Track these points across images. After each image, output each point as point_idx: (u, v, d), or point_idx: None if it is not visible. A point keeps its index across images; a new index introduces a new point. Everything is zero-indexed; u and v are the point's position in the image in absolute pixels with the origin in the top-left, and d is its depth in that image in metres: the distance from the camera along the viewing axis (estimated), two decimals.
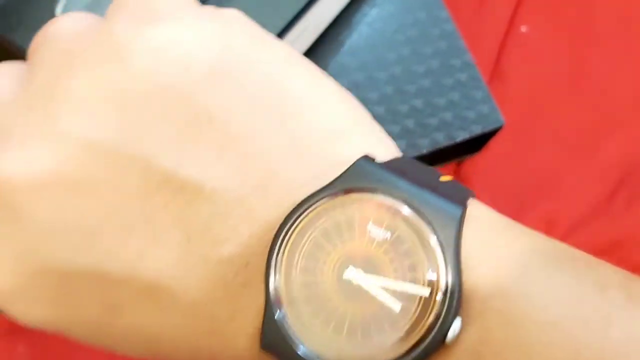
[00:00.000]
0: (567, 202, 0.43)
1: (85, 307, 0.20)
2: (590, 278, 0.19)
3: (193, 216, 0.20)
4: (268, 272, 0.19)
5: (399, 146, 0.40)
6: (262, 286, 0.19)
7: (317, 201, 0.19)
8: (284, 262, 0.19)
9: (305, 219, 0.19)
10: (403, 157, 0.22)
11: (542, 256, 0.19)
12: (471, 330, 0.18)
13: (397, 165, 0.20)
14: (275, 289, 0.19)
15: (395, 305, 0.18)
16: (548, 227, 0.43)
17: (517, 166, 0.44)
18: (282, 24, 0.37)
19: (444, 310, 0.18)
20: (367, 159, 0.20)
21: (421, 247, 0.19)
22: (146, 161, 0.19)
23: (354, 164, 0.20)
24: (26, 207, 0.20)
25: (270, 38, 0.23)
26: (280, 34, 0.37)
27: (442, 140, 0.41)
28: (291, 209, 0.19)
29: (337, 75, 0.41)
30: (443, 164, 0.44)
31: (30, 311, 0.21)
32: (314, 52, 0.42)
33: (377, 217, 0.19)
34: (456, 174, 0.44)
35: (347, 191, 0.19)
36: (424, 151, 0.40)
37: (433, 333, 0.18)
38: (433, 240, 0.19)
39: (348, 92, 0.23)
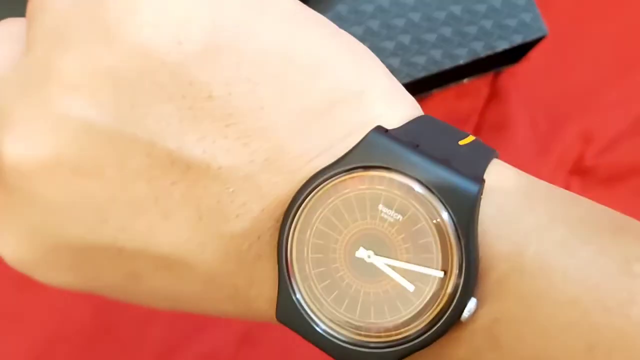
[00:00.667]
0: (605, 118, 0.42)
1: (106, 275, 0.21)
2: (615, 252, 0.18)
3: (202, 194, 0.19)
4: (280, 249, 0.19)
5: (435, 56, 0.39)
6: (276, 257, 0.19)
7: (327, 179, 0.19)
8: (295, 240, 0.19)
9: (316, 197, 0.19)
10: (420, 119, 0.21)
11: (564, 228, 0.18)
12: (487, 309, 0.18)
13: (413, 132, 0.20)
14: (288, 265, 0.19)
15: (409, 286, 0.18)
16: (584, 143, 0.42)
17: (557, 79, 0.43)
18: None
19: (459, 291, 0.18)
20: (379, 132, 0.19)
21: (435, 228, 0.18)
22: (149, 142, 0.19)
23: (365, 137, 0.19)
24: (35, 190, 0.19)
25: None
26: None
27: (480, 50, 0.39)
28: (301, 184, 0.19)
29: None
30: (480, 74, 0.42)
31: (55, 278, 0.21)
32: None
33: (389, 196, 0.18)
34: (493, 85, 0.43)
35: (358, 168, 0.19)
36: (461, 62, 0.39)
37: (447, 313, 0.18)
38: (447, 220, 0.18)
39: (360, 45, 0.22)
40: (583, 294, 0.17)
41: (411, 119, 0.21)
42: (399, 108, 0.21)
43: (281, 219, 0.19)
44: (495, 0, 0.40)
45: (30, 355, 0.37)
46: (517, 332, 0.18)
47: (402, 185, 0.18)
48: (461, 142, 0.20)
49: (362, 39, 0.38)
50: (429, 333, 0.18)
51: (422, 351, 0.18)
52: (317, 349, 0.19)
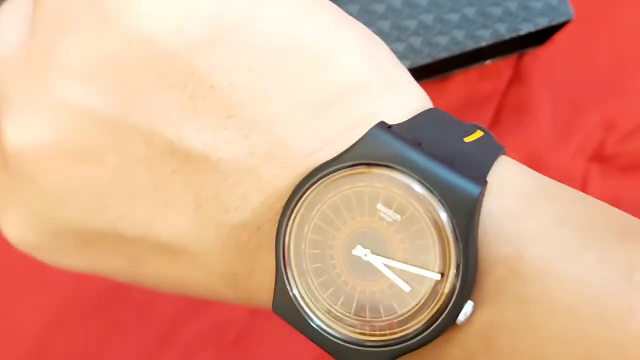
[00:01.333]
0: (628, 105, 0.41)
1: (108, 259, 0.21)
2: (619, 259, 0.17)
3: (201, 184, 0.19)
4: (278, 243, 0.19)
5: (457, 37, 0.38)
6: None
7: (326, 174, 0.18)
8: (293, 234, 0.19)
9: (314, 192, 0.19)
10: (427, 113, 0.20)
11: (567, 232, 0.18)
12: (483, 312, 0.18)
13: (417, 127, 0.19)
14: (286, 259, 0.19)
15: (405, 286, 0.18)
16: (606, 130, 0.41)
17: (581, 63, 0.42)
18: None
19: (456, 294, 0.18)
20: (381, 128, 0.18)
21: (434, 229, 0.18)
22: (149, 131, 0.19)
23: (367, 133, 0.18)
24: (36, 174, 0.20)
25: None
26: None
27: (504, 32, 0.38)
28: (301, 178, 0.19)
29: None
30: (503, 56, 0.42)
31: (58, 261, 0.22)
32: None
33: (389, 195, 0.18)
34: (516, 67, 0.42)
35: (358, 165, 0.18)
36: (484, 44, 0.38)
37: (443, 315, 0.18)
38: (446, 221, 0.18)
39: (368, 34, 0.21)
40: (581, 302, 0.17)
41: (418, 112, 0.20)
42: (405, 101, 0.20)
43: (280, 212, 0.19)
44: None
45: (44, 316, 0.38)
46: (512, 337, 0.18)
47: (402, 184, 0.18)
48: (467, 139, 0.20)
49: (383, 16, 0.38)
50: (424, 334, 0.18)
51: (416, 351, 0.18)
52: None
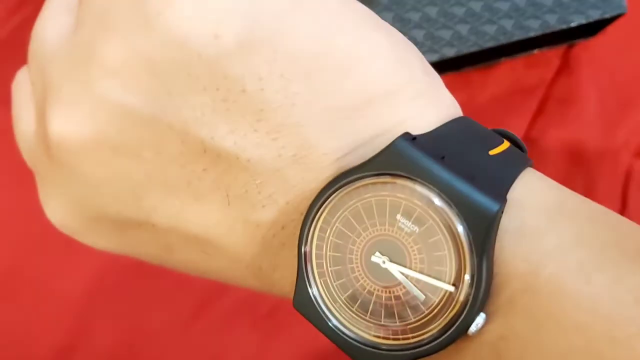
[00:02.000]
0: None
1: (142, 245, 0.22)
2: (634, 281, 0.18)
3: (231, 182, 0.20)
4: (300, 244, 0.20)
5: (506, 26, 0.38)
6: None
7: (350, 181, 0.19)
8: (315, 236, 0.19)
9: (338, 197, 0.19)
10: (453, 122, 0.20)
11: (584, 251, 0.18)
12: (494, 325, 0.18)
13: (443, 138, 0.19)
14: (307, 260, 0.20)
15: (419, 295, 0.19)
16: None
17: (631, 57, 0.41)
18: None
19: (468, 306, 0.18)
20: (405, 139, 0.19)
21: (451, 242, 0.18)
22: (183, 130, 0.20)
23: (391, 144, 0.19)
24: (76, 165, 0.21)
25: None
26: None
27: (554, 23, 0.38)
28: (326, 182, 0.19)
29: None
30: (552, 46, 0.41)
31: (96, 243, 0.23)
32: None
33: (409, 206, 0.19)
34: (565, 57, 0.41)
35: (382, 174, 0.19)
36: (532, 34, 0.38)
37: (455, 325, 0.18)
38: (464, 236, 0.18)
39: (400, 39, 0.21)
40: (592, 322, 0.18)
41: (446, 120, 0.21)
42: (433, 109, 0.21)
43: (305, 213, 0.20)
44: None
45: (87, 280, 0.39)
46: (522, 351, 0.18)
47: (422, 197, 0.18)
48: (492, 152, 0.20)
49: (431, 2, 0.38)
50: (436, 342, 0.19)
51: (427, 358, 0.19)
52: None
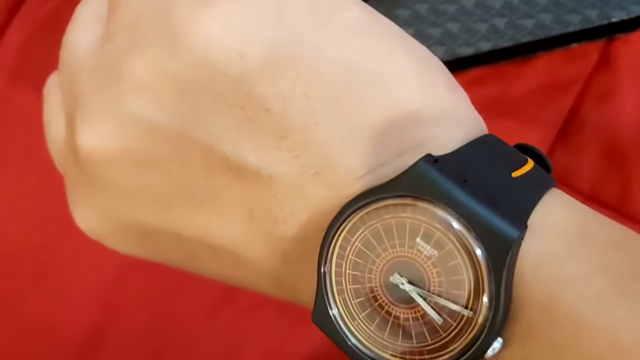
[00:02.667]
0: None
1: (168, 252, 0.23)
2: None
3: (254, 197, 0.20)
4: (320, 261, 0.20)
5: (544, 20, 0.37)
6: None
7: (371, 202, 0.19)
8: (335, 254, 0.20)
9: (358, 217, 0.19)
10: (477, 142, 0.20)
11: (605, 279, 0.18)
12: (511, 350, 0.18)
13: (465, 160, 0.19)
14: (326, 277, 0.20)
15: (437, 318, 0.19)
16: None
17: None
18: None
19: (485, 330, 0.18)
20: (427, 162, 0.19)
21: (470, 266, 0.18)
22: (207, 146, 0.20)
23: (413, 166, 0.19)
24: (105, 176, 0.21)
25: (341, 4, 0.21)
26: None
27: (594, 18, 0.37)
28: (347, 200, 0.19)
29: None
30: (592, 40, 0.40)
31: (123, 249, 0.24)
32: None
33: (429, 229, 0.19)
34: (605, 51, 0.40)
35: (402, 196, 0.19)
36: (571, 29, 0.37)
37: (472, 349, 0.18)
38: (483, 261, 0.18)
39: (425, 56, 0.21)
40: (609, 354, 0.17)
41: (469, 139, 0.21)
42: (457, 128, 0.21)
43: (326, 227, 0.20)
44: None
45: (112, 266, 0.40)
46: None
47: (442, 220, 0.19)
48: (515, 173, 0.20)
49: None
50: None
51: None
52: None
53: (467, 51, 0.37)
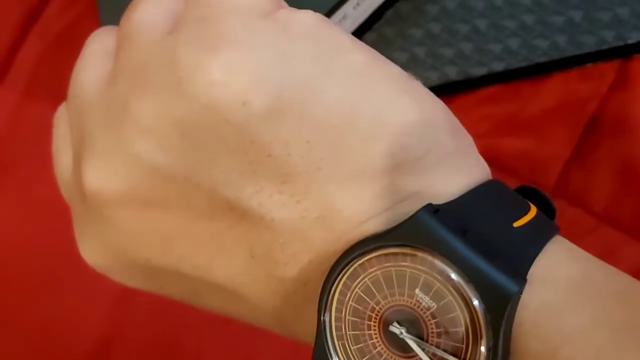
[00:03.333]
0: None
1: (171, 288, 0.23)
2: None
3: (255, 239, 0.21)
4: (320, 305, 0.20)
5: (559, 42, 0.36)
6: None
7: (372, 249, 0.19)
8: (335, 299, 0.20)
9: (358, 263, 0.19)
10: (479, 189, 0.20)
11: (604, 334, 0.18)
12: None
13: (467, 209, 0.20)
14: (327, 322, 0.20)
15: None
16: None
17: None
18: None
19: None
20: (428, 212, 0.19)
21: (469, 319, 0.18)
22: (211, 189, 0.20)
23: (414, 216, 0.19)
24: (109, 215, 0.22)
25: (344, 50, 0.21)
26: None
27: (610, 39, 0.36)
28: (348, 245, 0.20)
29: None
30: (608, 60, 0.39)
31: (126, 282, 0.24)
32: None
33: (428, 280, 0.19)
34: (621, 70, 0.40)
35: (403, 245, 0.19)
36: (586, 50, 0.36)
37: None
38: (482, 315, 0.18)
39: (428, 100, 0.21)
40: None
41: (472, 185, 0.21)
42: (459, 175, 0.21)
43: (327, 271, 0.20)
44: None
45: (111, 289, 0.40)
46: None
47: (442, 272, 0.19)
48: (517, 223, 0.20)
49: (481, 14, 0.37)
50: None
51: None
52: None
53: (479, 71, 0.37)
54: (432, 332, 0.19)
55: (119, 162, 0.21)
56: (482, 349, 0.18)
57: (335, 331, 0.20)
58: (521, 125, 0.41)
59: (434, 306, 0.19)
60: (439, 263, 0.18)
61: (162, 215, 0.21)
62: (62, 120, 0.25)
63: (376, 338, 0.19)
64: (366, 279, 0.19)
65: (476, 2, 0.37)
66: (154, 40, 0.21)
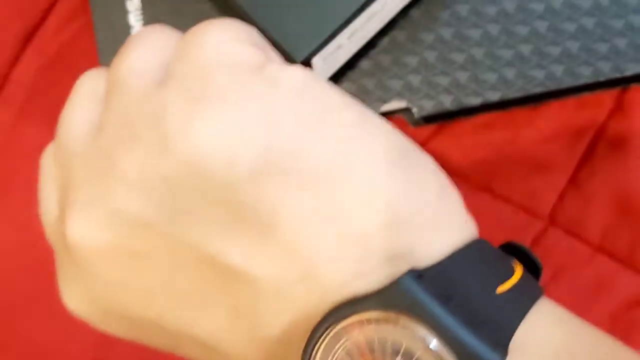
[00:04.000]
0: None
1: (152, 338, 0.23)
2: None
3: (239, 296, 0.20)
4: None
5: (555, 72, 0.36)
6: None
7: (354, 312, 0.19)
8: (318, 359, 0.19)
9: (340, 326, 0.19)
10: (464, 251, 0.20)
11: None
12: None
13: (451, 273, 0.19)
14: None
15: None
16: None
17: None
18: None
19: None
20: (411, 277, 0.19)
21: None
22: (194, 245, 0.20)
23: (397, 281, 0.19)
24: (91, 265, 0.22)
25: (332, 108, 0.21)
26: None
27: (607, 71, 0.36)
28: (331, 306, 0.19)
29: None
30: (605, 89, 0.39)
31: (107, 329, 0.24)
32: None
33: (410, 346, 0.18)
34: (619, 98, 0.39)
35: (384, 310, 0.19)
36: (583, 81, 0.36)
37: None
38: None
39: (414, 158, 0.21)
40: None
41: (457, 246, 0.20)
42: (443, 237, 0.20)
43: (310, 331, 0.20)
44: (636, 18, 0.36)
45: None
46: None
47: (423, 340, 0.18)
48: (501, 287, 0.20)
49: (477, 43, 0.36)
50: None
51: None
52: None
53: (474, 101, 0.36)
54: None
55: (102, 214, 0.21)
56: None
57: None
58: (517, 153, 0.40)
59: None
60: (420, 330, 0.18)
61: (145, 268, 0.21)
62: (49, 162, 0.25)
63: None
64: (347, 342, 0.19)
65: (472, 31, 0.36)
66: (144, 93, 0.21)
